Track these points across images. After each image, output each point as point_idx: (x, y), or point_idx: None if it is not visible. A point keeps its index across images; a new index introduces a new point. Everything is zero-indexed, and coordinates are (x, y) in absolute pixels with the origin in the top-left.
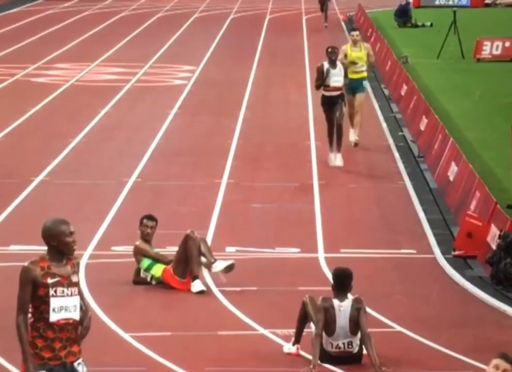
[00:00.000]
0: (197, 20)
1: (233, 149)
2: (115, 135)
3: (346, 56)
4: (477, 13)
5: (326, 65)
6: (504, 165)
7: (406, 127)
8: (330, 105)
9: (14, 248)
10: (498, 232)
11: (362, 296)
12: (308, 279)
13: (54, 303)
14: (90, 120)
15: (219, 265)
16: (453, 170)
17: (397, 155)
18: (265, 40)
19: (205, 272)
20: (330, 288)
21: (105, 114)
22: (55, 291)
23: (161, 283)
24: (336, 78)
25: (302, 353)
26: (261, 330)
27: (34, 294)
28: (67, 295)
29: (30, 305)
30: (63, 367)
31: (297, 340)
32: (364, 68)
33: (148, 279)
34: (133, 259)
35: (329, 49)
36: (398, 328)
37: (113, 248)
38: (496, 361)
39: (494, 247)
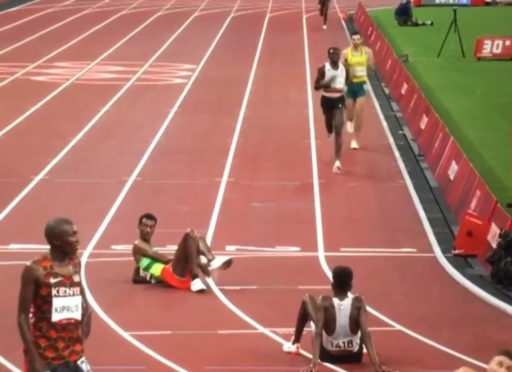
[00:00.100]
0: (197, 19)
1: (233, 148)
2: (115, 134)
3: (346, 60)
4: (478, 11)
5: (327, 66)
6: (504, 164)
7: (407, 126)
8: (329, 106)
9: (14, 247)
10: (498, 231)
11: (362, 295)
12: (308, 278)
13: (56, 302)
14: (90, 119)
15: (217, 262)
16: (453, 168)
17: (397, 154)
18: (265, 38)
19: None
20: (330, 287)
21: (105, 113)
22: (57, 291)
23: (161, 282)
24: (340, 79)
25: (302, 352)
26: (261, 329)
27: (36, 294)
28: (69, 295)
29: (32, 305)
30: (67, 366)
31: (297, 339)
32: (365, 73)
33: (148, 278)
34: (133, 258)
35: (331, 50)
36: (398, 327)
37: (113, 247)
38: (499, 358)
39: (494, 246)
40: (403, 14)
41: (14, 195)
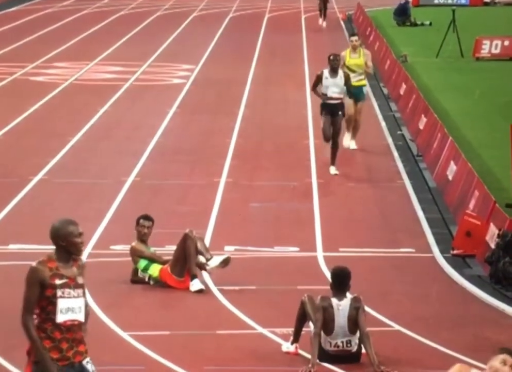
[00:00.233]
0: (196, 19)
1: (231, 148)
2: (114, 134)
3: (344, 62)
4: (476, 11)
5: (326, 73)
6: (503, 164)
7: (405, 126)
8: (329, 112)
9: (13, 247)
10: (497, 231)
11: (361, 295)
12: (307, 278)
13: (61, 304)
14: (88, 119)
15: (214, 261)
16: (452, 169)
17: (396, 154)
18: (264, 38)
19: (203, 271)
20: (328, 287)
21: (104, 113)
22: (63, 292)
23: (159, 283)
24: (334, 89)
25: (300, 352)
26: (260, 329)
27: (41, 295)
28: (74, 296)
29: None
30: (72, 367)
31: (296, 339)
32: (363, 76)
33: (146, 279)
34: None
35: (331, 57)
36: (397, 327)
37: (112, 247)
38: (503, 356)
39: (493, 246)
40: (402, 14)
41: (13, 195)
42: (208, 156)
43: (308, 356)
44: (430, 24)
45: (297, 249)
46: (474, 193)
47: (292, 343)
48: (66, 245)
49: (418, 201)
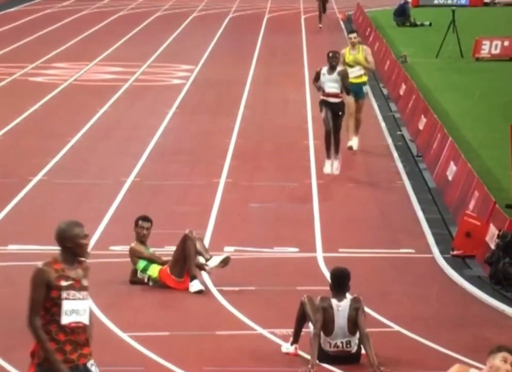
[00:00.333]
0: (195, 19)
1: (231, 148)
2: (114, 134)
3: (344, 60)
4: (476, 12)
5: (324, 70)
6: (502, 165)
7: (405, 127)
8: (329, 110)
9: (12, 247)
10: (497, 232)
11: (360, 296)
12: (306, 278)
13: (66, 305)
14: (88, 119)
15: (214, 261)
16: (452, 169)
17: (395, 154)
18: (263, 39)
19: (203, 271)
20: (328, 288)
21: (103, 114)
22: (68, 294)
23: (158, 283)
24: (330, 84)
25: (300, 352)
26: (260, 330)
27: (46, 296)
28: (79, 298)
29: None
30: (76, 369)
31: (295, 340)
32: (363, 72)
33: (145, 280)
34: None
35: (330, 54)
36: (397, 328)
37: (111, 247)
38: (503, 354)
39: (492, 246)
40: (402, 15)
41: (13, 195)
42: (207, 157)
43: (308, 356)
44: (430, 24)
45: (296, 249)
46: (474, 193)
47: (292, 344)
48: (72, 246)
49: (418, 201)
